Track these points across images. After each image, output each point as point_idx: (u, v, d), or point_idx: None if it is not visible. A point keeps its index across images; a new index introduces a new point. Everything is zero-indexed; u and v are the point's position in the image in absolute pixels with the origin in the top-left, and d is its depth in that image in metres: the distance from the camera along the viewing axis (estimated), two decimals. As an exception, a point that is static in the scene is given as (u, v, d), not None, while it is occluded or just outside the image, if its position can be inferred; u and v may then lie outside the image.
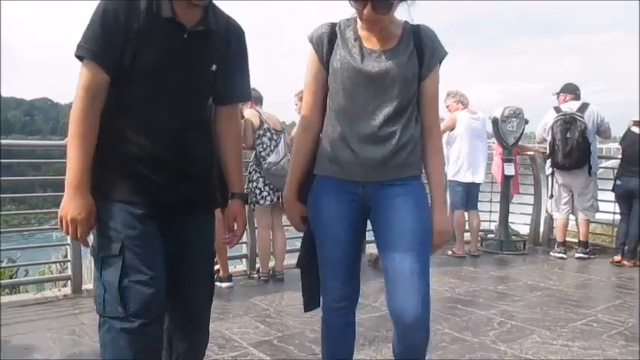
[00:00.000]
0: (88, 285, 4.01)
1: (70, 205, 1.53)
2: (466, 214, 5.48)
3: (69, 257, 4.02)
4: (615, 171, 5.41)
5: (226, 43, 1.70)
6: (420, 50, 1.81)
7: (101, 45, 1.52)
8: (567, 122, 5.21)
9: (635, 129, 5.16)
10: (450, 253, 5.48)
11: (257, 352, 2.87)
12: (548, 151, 5.43)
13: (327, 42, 1.84)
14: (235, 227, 1.88)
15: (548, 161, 5.50)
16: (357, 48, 1.81)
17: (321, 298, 1.98)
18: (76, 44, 1.55)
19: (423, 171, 1.91)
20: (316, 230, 1.91)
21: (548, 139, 5.35)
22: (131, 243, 1.54)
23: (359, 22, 1.81)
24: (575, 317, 3.55)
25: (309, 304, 2.06)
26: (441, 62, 1.86)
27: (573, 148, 5.17)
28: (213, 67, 1.67)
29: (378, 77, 1.78)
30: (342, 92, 1.82)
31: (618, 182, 5.24)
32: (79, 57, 1.54)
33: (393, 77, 1.77)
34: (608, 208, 5.71)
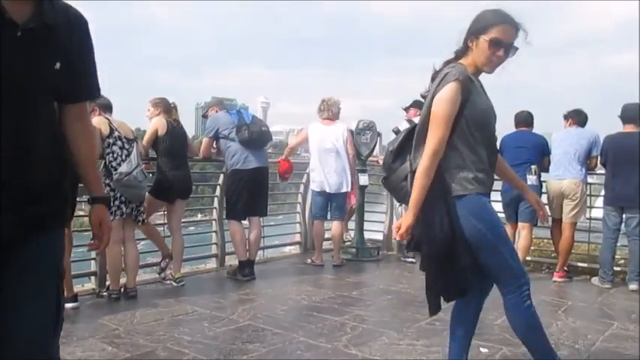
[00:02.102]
0: None
1: None
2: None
3: None
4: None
5: (68, 37, 1.53)
6: None
7: None
8: None
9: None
10: (308, 262, 5.59)
11: (102, 376, 2.69)
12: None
13: (469, 84, 2.23)
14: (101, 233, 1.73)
15: None
16: (484, 94, 2.36)
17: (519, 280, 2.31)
18: None
19: None
20: (495, 228, 2.31)
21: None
22: None
23: (469, 70, 2.28)
24: (421, 317, 3.79)
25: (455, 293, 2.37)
26: None
27: None
28: (57, 66, 1.50)
29: (494, 119, 2.38)
30: (487, 129, 2.32)
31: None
32: None
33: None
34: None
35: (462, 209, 2.23)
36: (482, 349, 3.15)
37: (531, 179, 5.04)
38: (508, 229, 5.32)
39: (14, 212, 1.45)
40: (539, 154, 5.16)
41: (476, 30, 2.27)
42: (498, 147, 5.36)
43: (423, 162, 2.22)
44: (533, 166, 5.05)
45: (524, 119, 5.32)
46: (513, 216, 5.22)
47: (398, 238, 2.25)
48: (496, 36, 2.23)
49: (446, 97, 2.21)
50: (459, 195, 2.24)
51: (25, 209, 1.47)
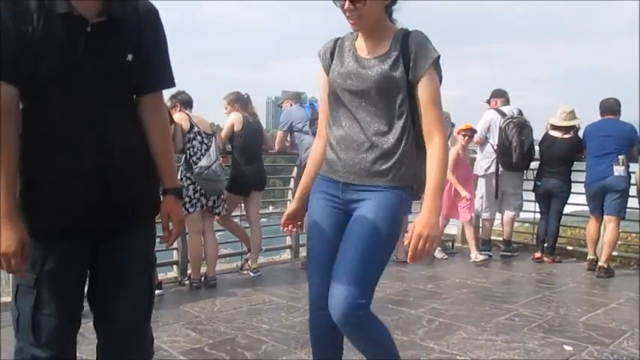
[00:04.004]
0: (6, 298, 3.78)
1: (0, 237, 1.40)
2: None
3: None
4: (535, 172, 5.69)
5: (138, 29, 1.55)
6: (406, 55, 1.81)
7: None
8: (519, 125, 5.40)
9: (552, 132, 5.45)
10: (394, 258, 5.50)
11: (187, 361, 2.81)
12: (498, 152, 5.48)
13: (329, 55, 1.96)
14: (171, 226, 1.74)
15: (489, 162, 5.60)
16: (349, 58, 1.91)
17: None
18: None
19: None
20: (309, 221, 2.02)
21: (494, 141, 5.47)
22: (45, 277, 1.50)
23: (360, 33, 1.90)
24: (499, 312, 3.70)
25: None
26: (434, 66, 1.82)
27: (527, 150, 5.39)
28: (129, 57, 1.53)
29: (360, 83, 1.85)
30: (334, 99, 1.93)
31: (538, 183, 5.51)
32: None
33: (374, 83, 1.83)
34: (529, 208, 6.00)
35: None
36: (566, 347, 3.04)
37: (619, 170, 4.78)
38: (592, 221, 5.08)
39: (103, 202, 1.52)
40: (628, 143, 4.86)
41: None
42: (581, 136, 5.24)
43: None
44: (620, 157, 4.79)
45: (611, 107, 5.04)
46: (598, 208, 4.97)
47: (284, 228, 2.12)
48: None
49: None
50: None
51: (113, 199, 1.54)
